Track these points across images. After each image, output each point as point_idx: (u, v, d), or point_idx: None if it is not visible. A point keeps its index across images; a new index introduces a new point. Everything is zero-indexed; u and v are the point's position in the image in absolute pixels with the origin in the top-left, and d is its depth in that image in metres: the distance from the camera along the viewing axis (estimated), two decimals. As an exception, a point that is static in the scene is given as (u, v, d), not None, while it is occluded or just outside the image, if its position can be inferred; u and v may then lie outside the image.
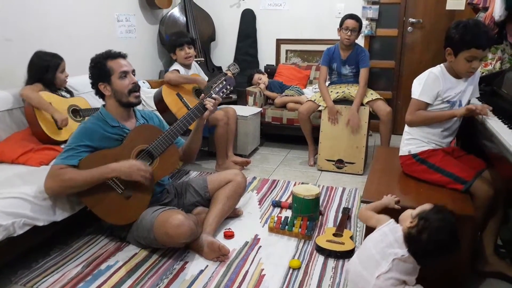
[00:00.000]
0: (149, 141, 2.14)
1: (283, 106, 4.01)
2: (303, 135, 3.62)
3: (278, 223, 2.41)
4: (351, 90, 3.43)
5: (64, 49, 2.81)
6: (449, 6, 4.12)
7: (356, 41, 3.46)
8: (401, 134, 2.21)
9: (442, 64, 2.04)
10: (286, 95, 4.05)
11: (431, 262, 1.51)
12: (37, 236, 2.02)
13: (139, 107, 2.89)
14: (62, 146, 2.36)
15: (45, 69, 2.56)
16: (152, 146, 2.13)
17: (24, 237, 1.89)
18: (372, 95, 3.39)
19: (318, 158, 3.50)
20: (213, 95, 2.27)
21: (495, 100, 2.26)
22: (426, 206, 1.54)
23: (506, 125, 1.83)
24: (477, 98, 2.24)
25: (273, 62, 4.80)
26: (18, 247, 1.97)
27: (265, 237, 2.36)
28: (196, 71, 3.52)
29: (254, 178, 3.26)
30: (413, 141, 2.09)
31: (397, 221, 1.60)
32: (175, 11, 4.52)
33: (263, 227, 2.48)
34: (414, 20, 4.31)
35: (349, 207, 2.72)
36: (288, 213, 2.65)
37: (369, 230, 1.71)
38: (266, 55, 4.83)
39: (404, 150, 2.13)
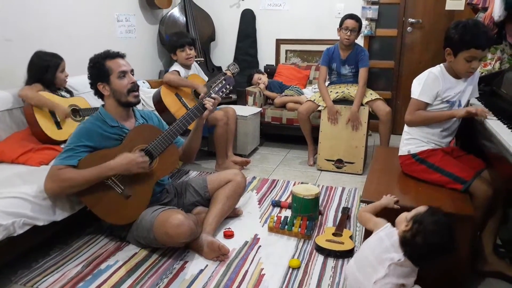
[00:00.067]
0: (148, 140, 2.14)
1: (283, 106, 4.01)
2: (302, 135, 3.62)
3: (278, 222, 2.42)
4: (351, 90, 3.44)
5: (64, 49, 2.81)
6: (449, 6, 4.13)
7: (356, 41, 3.47)
8: (401, 134, 2.21)
9: (441, 64, 2.05)
10: (285, 95, 4.05)
11: (429, 264, 1.51)
12: (37, 235, 2.02)
13: (139, 107, 2.90)
14: (62, 146, 2.36)
15: (45, 69, 2.57)
16: (152, 146, 2.13)
17: (24, 236, 1.89)
18: (371, 95, 3.39)
19: (317, 158, 3.50)
20: (212, 95, 2.27)
21: (495, 100, 2.27)
22: (421, 209, 1.54)
23: (506, 125, 1.84)
24: (476, 98, 2.25)
25: (273, 62, 4.80)
26: (18, 246, 1.97)
27: (264, 236, 2.36)
28: (196, 71, 3.52)
29: (254, 178, 3.26)
30: (412, 141, 2.10)
31: (394, 224, 1.61)
32: (175, 11, 4.52)
33: (262, 226, 2.48)
34: (413, 20, 4.32)
35: (349, 206, 2.72)
36: (287, 212, 2.66)
37: (368, 231, 1.72)
38: (265, 55, 4.84)
39: (403, 150, 2.13)
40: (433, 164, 2.00)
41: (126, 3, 4.05)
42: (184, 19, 4.54)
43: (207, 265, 2.06)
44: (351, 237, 2.28)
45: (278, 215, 2.60)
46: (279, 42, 4.77)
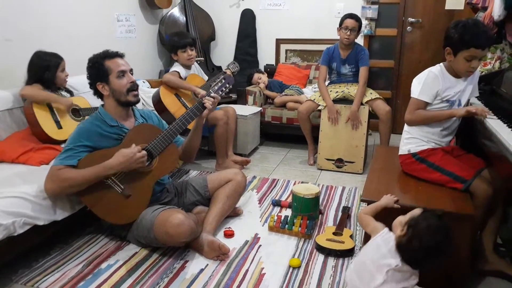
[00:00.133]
0: (148, 140, 2.14)
1: (283, 105, 4.01)
2: (302, 134, 3.62)
3: (278, 222, 2.42)
4: (351, 90, 3.44)
5: (64, 49, 2.81)
6: (448, 5, 4.13)
7: (356, 40, 3.47)
8: (401, 133, 2.21)
9: (441, 64, 2.05)
10: (285, 95, 4.05)
11: (427, 267, 1.51)
12: (37, 235, 2.03)
13: (139, 106, 2.90)
14: (62, 145, 2.36)
15: (45, 69, 2.57)
16: (151, 145, 2.13)
17: (24, 236, 1.90)
18: (371, 94, 3.39)
19: (317, 157, 3.51)
20: (212, 94, 2.27)
21: (495, 99, 2.27)
22: (416, 211, 1.53)
23: (506, 124, 1.84)
24: (476, 97, 2.25)
25: (273, 62, 4.80)
26: (19, 246, 1.97)
27: (265, 236, 2.36)
28: (196, 71, 3.52)
29: (254, 177, 3.26)
30: (412, 140, 2.10)
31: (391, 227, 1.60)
32: (175, 11, 4.52)
33: (263, 226, 2.48)
34: (413, 19, 4.32)
35: (349, 206, 2.72)
36: (288, 212, 2.66)
37: (368, 234, 1.71)
38: (265, 55, 4.84)
39: (403, 149, 2.13)
40: (433, 163, 2.00)
41: (126, 3, 4.05)
42: (184, 19, 4.54)
43: (207, 265, 2.06)
44: (351, 236, 2.29)
45: (279, 214, 2.60)
46: (279, 41, 4.77)
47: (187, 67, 3.38)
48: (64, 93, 2.74)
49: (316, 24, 4.56)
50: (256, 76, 4.26)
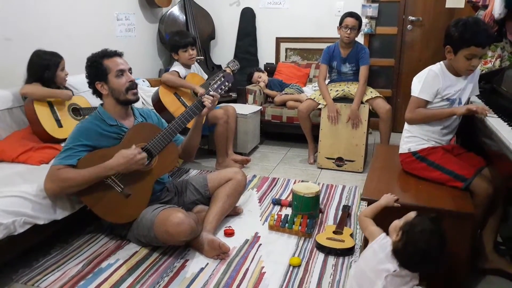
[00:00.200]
0: (147, 139, 2.14)
1: (283, 104, 4.01)
2: (303, 133, 3.62)
3: (278, 221, 2.42)
4: (351, 88, 3.44)
5: (64, 48, 2.81)
6: (449, 4, 4.12)
7: (356, 39, 3.47)
8: (401, 132, 2.21)
9: (441, 62, 2.04)
10: (285, 93, 4.05)
11: (425, 270, 1.51)
12: (37, 234, 2.03)
13: (139, 105, 2.89)
14: (62, 144, 2.36)
15: (45, 68, 2.57)
16: (151, 144, 2.13)
17: (24, 235, 1.90)
18: (371, 93, 3.39)
19: (318, 156, 3.50)
20: (211, 92, 2.27)
21: (495, 97, 2.27)
22: (411, 215, 1.53)
23: (506, 123, 1.84)
24: (477, 96, 2.24)
25: (273, 61, 4.80)
26: (19, 245, 1.97)
27: (265, 235, 2.36)
28: (196, 70, 3.52)
29: (254, 176, 3.26)
30: (413, 138, 2.09)
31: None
32: (175, 10, 4.51)
33: (263, 225, 2.48)
34: (413, 18, 4.31)
35: (349, 205, 2.72)
36: (288, 211, 2.66)
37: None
38: (265, 54, 4.83)
39: (404, 148, 2.13)
40: (433, 162, 2.00)
41: (126, 2, 4.04)
42: (184, 17, 4.53)
43: (207, 264, 2.06)
44: (351, 235, 2.28)
45: (279, 213, 2.60)
46: (279, 40, 4.76)
47: (187, 66, 3.37)
48: (63, 90, 2.74)
49: (316, 23, 4.55)
50: (256, 75, 4.26)
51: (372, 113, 3.42)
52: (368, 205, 1.83)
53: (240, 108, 3.75)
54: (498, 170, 1.97)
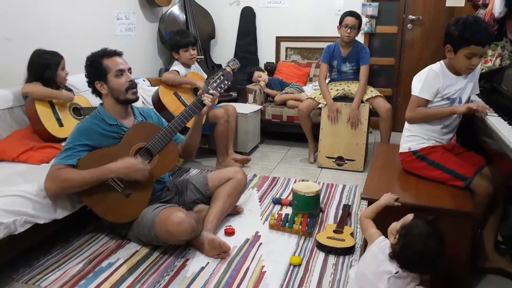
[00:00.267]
0: (147, 138, 2.14)
1: (283, 103, 4.01)
2: (303, 132, 3.62)
3: (279, 220, 2.42)
4: (351, 87, 3.44)
5: (64, 48, 2.81)
6: (449, 3, 4.12)
7: (356, 38, 3.46)
8: (401, 131, 2.21)
9: (441, 61, 2.04)
10: (286, 93, 4.05)
11: (424, 270, 1.51)
12: (38, 234, 2.03)
13: (139, 105, 2.89)
14: (63, 143, 2.37)
15: (45, 67, 2.57)
16: (151, 144, 2.13)
17: (25, 235, 1.90)
18: (371, 92, 3.39)
19: (318, 156, 3.51)
20: (211, 91, 2.27)
21: (495, 96, 2.27)
22: (408, 217, 1.53)
23: (506, 122, 1.84)
24: (477, 95, 2.24)
25: (273, 60, 4.80)
26: (20, 245, 1.97)
27: (265, 234, 2.37)
28: (196, 69, 3.52)
29: (255, 175, 3.26)
30: (413, 138, 2.09)
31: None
32: (175, 9, 4.51)
33: (263, 224, 2.49)
34: (413, 17, 4.31)
35: (350, 204, 2.72)
36: (288, 210, 2.66)
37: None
38: (266, 53, 4.83)
39: (404, 147, 2.13)
40: (433, 161, 2.00)
41: (126, 1, 4.04)
42: (184, 17, 4.53)
43: (208, 263, 2.06)
44: (352, 234, 2.29)
45: (279, 212, 2.60)
46: (279, 39, 4.76)
47: (187, 66, 3.37)
48: (64, 91, 2.74)
49: (316, 22, 4.55)
50: (256, 74, 4.26)
51: (373, 112, 3.42)
52: (368, 204, 1.83)
53: (241, 108, 3.75)
54: (499, 169, 1.97)
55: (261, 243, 2.26)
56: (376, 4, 4.32)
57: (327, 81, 3.58)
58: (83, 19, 3.48)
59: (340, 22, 3.38)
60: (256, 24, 4.77)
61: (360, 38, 4.18)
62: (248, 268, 2.03)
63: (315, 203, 2.50)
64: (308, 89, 4.10)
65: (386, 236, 1.59)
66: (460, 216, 1.72)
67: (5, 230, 1.79)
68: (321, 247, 2.18)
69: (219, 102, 3.53)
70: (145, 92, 3.50)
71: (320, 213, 2.60)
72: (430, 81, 1.98)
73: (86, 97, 2.81)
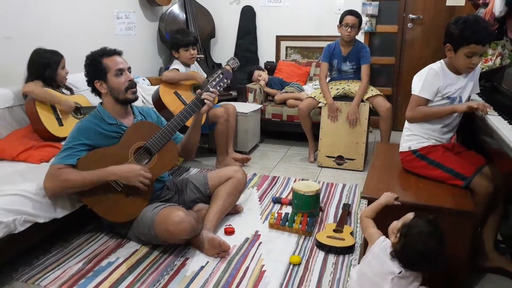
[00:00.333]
0: (146, 138, 2.13)
1: (283, 102, 4.01)
2: (303, 131, 3.62)
3: (279, 219, 2.42)
4: (351, 87, 3.44)
5: (64, 47, 2.81)
6: (449, 2, 4.12)
7: (356, 37, 3.46)
8: (401, 131, 2.21)
9: (442, 60, 2.04)
10: (286, 92, 4.05)
11: (426, 269, 1.51)
12: (38, 233, 2.03)
13: (139, 104, 2.89)
14: (63, 143, 2.36)
15: (46, 66, 2.57)
16: (150, 143, 2.13)
17: (25, 234, 1.90)
18: (372, 91, 3.39)
19: (318, 155, 3.50)
20: (210, 89, 2.26)
21: (495, 96, 2.26)
22: (409, 216, 1.53)
23: (506, 121, 1.83)
24: (477, 94, 2.24)
25: (273, 59, 4.80)
26: (19, 244, 1.97)
27: (265, 233, 2.36)
28: (195, 69, 3.51)
29: (255, 174, 3.26)
30: (413, 137, 2.09)
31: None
32: (175, 8, 4.51)
33: (263, 223, 2.48)
34: (414, 16, 4.31)
35: (349, 203, 2.72)
36: (288, 209, 2.66)
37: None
38: (266, 52, 4.83)
39: (404, 146, 2.13)
40: (433, 160, 2.00)
41: (126, 0, 4.04)
42: (184, 16, 4.53)
43: (208, 262, 2.06)
44: (351, 233, 2.29)
45: (279, 211, 2.60)
46: (279, 38, 4.76)
47: (187, 65, 3.37)
48: (64, 90, 2.74)
49: (316, 21, 4.54)
50: (256, 73, 4.26)
51: (373, 112, 3.42)
52: (368, 203, 1.83)
53: (241, 107, 3.74)
54: (499, 168, 1.97)
55: (261, 242, 2.26)
56: (376, 3, 4.31)
57: (327, 80, 3.58)
58: (83, 18, 3.48)
59: (340, 21, 3.38)
60: (256, 23, 4.77)
61: (360, 37, 4.18)
62: (248, 267, 2.03)
63: (315, 202, 2.50)
64: (308, 88, 4.10)
65: (387, 236, 1.59)
66: (460, 215, 1.72)
67: (4, 229, 1.79)
68: (321, 246, 2.18)
69: (219, 101, 3.53)
70: (145, 91, 3.50)
71: (320, 212, 2.60)
72: (430, 80, 1.98)
73: (86, 96, 2.81)
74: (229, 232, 2.34)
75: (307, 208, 2.46)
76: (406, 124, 2.15)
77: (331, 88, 3.46)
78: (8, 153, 2.34)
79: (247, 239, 2.29)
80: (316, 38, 4.57)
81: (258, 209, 2.68)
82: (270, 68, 4.58)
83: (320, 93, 3.47)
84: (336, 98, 3.40)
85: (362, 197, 1.92)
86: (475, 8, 3.11)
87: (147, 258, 2.10)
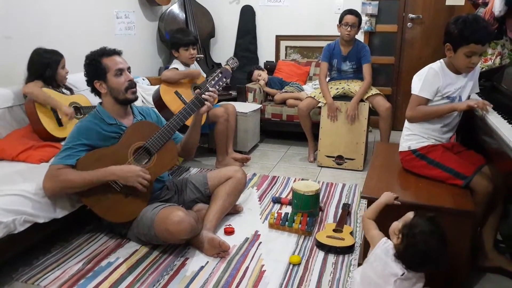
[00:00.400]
0: (146, 137, 2.13)
1: (283, 102, 4.01)
2: (303, 131, 3.62)
3: (278, 219, 2.42)
4: (351, 86, 3.43)
5: (64, 47, 2.80)
6: (449, 1, 4.12)
7: (356, 37, 3.46)
8: (401, 130, 2.21)
9: (441, 60, 2.04)
10: (285, 92, 4.05)
11: (429, 269, 1.51)
12: (37, 233, 2.03)
13: (139, 104, 2.89)
14: (62, 143, 2.36)
15: (46, 66, 2.57)
16: (149, 143, 2.13)
17: (24, 234, 1.90)
18: (371, 90, 3.39)
19: (318, 154, 3.50)
20: (210, 88, 2.26)
21: (495, 95, 2.26)
22: (409, 216, 1.54)
23: (506, 120, 1.83)
24: (477, 93, 2.24)
25: (273, 59, 4.80)
26: (19, 244, 1.97)
27: (265, 233, 2.36)
28: (195, 68, 3.51)
29: (254, 174, 3.26)
30: (413, 136, 2.09)
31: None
32: (175, 8, 4.51)
33: (263, 223, 2.48)
34: (413, 15, 4.31)
35: (349, 203, 2.72)
36: (288, 209, 2.66)
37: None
38: (265, 52, 4.83)
39: (404, 146, 2.13)
40: (433, 160, 2.00)
41: (126, 0, 4.04)
42: (184, 15, 4.52)
43: (207, 262, 2.06)
44: (351, 233, 2.28)
45: (279, 211, 2.60)
46: (279, 38, 4.76)
47: (187, 65, 3.37)
48: (64, 90, 2.74)
49: (316, 21, 4.54)
50: (256, 73, 4.25)
51: (372, 111, 3.42)
52: (368, 203, 1.83)
53: (240, 107, 3.74)
54: (498, 168, 1.97)
55: (260, 242, 2.26)
56: (376, 2, 4.31)
57: (327, 80, 3.58)
58: (83, 18, 3.48)
59: (340, 20, 3.38)
60: (255, 22, 4.77)
61: (359, 36, 4.17)
62: (247, 267, 2.03)
63: (314, 202, 2.50)
64: (307, 88, 4.10)
65: (388, 237, 1.59)
66: (460, 215, 1.72)
67: (4, 229, 1.78)
68: (320, 246, 2.18)
69: (219, 101, 3.52)
70: (145, 91, 3.49)
71: (320, 212, 2.60)
72: (430, 80, 1.98)
73: (86, 96, 2.81)
74: (229, 232, 2.34)
75: (307, 208, 2.46)
76: (406, 123, 2.15)
77: (331, 87, 3.46)
78: (8, 153, 2.34)
79: (247, 239, 2.29)
80: (315, 38, 4.57)
81: (258, 209, 2.68)
82: (270, 67, 4.57)
83: (320, 93, 3.46)
84: (336, 97, 3.40)
85: (361, 197, 1.92)
86: (475, 8, 3.11)
87: (147, 258, 2.10)
